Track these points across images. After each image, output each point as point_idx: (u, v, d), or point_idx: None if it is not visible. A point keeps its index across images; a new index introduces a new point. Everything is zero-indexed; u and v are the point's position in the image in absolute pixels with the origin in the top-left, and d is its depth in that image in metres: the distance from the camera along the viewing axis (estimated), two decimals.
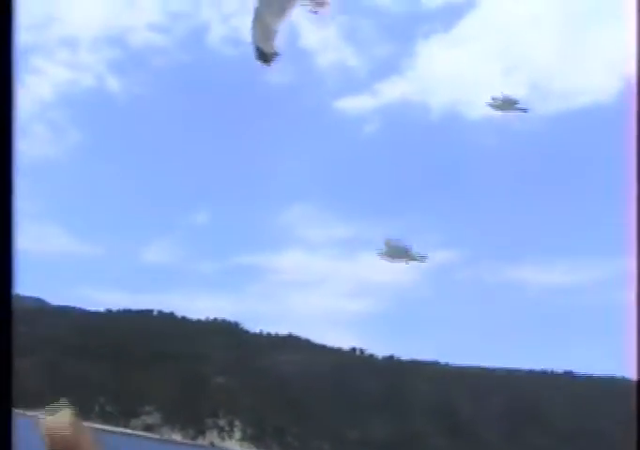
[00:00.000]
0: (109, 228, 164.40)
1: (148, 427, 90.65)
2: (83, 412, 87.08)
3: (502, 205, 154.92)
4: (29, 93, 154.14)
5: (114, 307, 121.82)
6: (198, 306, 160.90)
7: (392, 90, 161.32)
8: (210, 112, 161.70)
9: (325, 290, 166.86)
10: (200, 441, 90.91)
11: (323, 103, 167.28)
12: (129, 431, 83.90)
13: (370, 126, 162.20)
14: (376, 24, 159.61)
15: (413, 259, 16.09)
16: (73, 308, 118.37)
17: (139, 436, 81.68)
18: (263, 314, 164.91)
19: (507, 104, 17.41)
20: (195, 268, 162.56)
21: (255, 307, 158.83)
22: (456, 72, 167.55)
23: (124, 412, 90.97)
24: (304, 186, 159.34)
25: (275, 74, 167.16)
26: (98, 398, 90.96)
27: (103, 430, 73.27)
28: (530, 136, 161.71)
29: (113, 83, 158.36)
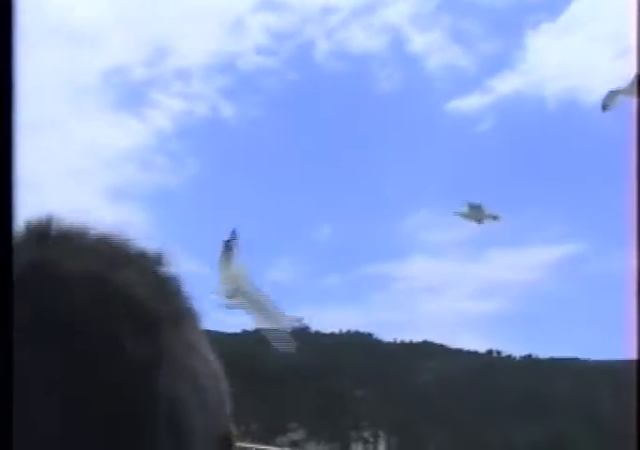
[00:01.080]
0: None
1: (294, 444, 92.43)
2: None
3: (626, 192, 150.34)
4: (148, 126, 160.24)
5: (248, 328, 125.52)
6: (329, 319, 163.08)
7: (504, 85, 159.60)
8: (324, 128, 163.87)
9: (453, 293, 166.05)
10: None
11: (435, 106, 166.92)
12: (277, 449, 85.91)
13: (485, 123, 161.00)
14: (481, 21, 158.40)
15: (488, 217, 16.83)
16: (210, 332, 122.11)
17: None
18: (394, 322, 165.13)
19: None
20: (321, 283, 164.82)
21: (385, 315, 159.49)
22: (568, 60, 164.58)
23: (269, 430, 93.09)
24: (423, 190, 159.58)
25: (384, 82, 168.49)
26: (243, 419, 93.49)
27: (252, 449, 75.34)
28: None
29: (226, 110, 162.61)
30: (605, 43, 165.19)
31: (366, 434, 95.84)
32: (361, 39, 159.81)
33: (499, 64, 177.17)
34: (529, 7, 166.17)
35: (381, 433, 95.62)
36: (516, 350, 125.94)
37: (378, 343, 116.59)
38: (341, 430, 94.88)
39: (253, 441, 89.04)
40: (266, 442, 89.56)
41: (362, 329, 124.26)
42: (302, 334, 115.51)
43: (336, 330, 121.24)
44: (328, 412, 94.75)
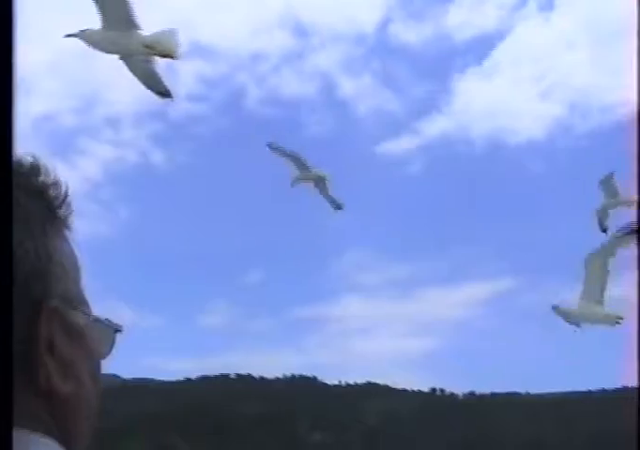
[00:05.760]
0: (166, 297, 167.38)
1: None
2: None
3: (557, 226, 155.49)
4: (79, 173, 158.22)
5: (189, 375, 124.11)
6: (265, 363, 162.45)
7: (433, 128, 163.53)
8: (254, 173, 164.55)
9: (390, 332, 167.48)
10: None
11: (364, 149, 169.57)
12: None
13: (414, 165, 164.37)
14: (410, 65, 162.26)
15: None
16: (151, 380, 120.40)
17: None
18: (333, 364, 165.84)
19: None
20: (256, 326, 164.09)
21: (323, 358, 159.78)
22: (494, 102, 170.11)
23: None
24: (354, 232, 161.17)
25: (315, 127, 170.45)
26: None
27: None
28: (575, 153, 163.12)
29: (157, 156, 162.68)
30: (529, 85, 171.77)
31: None
32: (292, 85, 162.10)
33: (428, 107, 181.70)
34: (456, 52, 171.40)
35: None
36: (458, 387, 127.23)
37: (324, 386, 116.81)
38: None
39: None
40: None
41: (302, 372, 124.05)
42: (247, 380, 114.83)
43: (280, 375, 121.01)
44: None
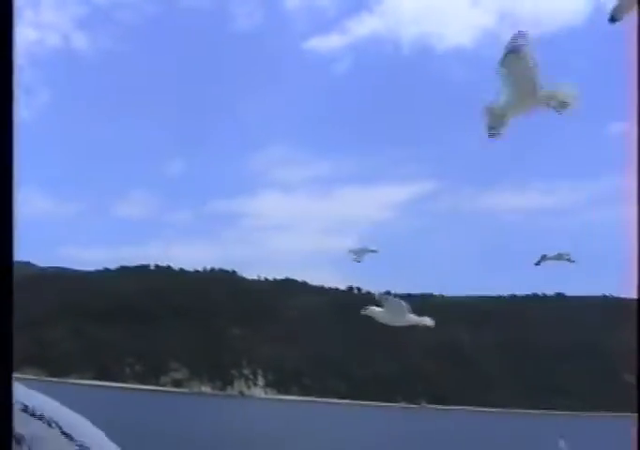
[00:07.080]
0: (84, 185, 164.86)
1: (178, 383, 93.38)
2: (115, 373, 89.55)
3: (477, 134, 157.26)
4: None
5: (107, 265, 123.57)
6: (184, 256, 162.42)
7: (362, 27, 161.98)
8: (179, 62, 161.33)
9: (308, 230, 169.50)
10: (229, 391, 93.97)
11: (293, 45, 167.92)
12: (160, 388, 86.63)
13: (340, 64, 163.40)
14: None
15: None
16: (68, 269, 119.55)
17: (171, 392, 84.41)
18: (251, 260, 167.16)
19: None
20: (174, 218, 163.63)
21: (241, 252, 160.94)
22: (425, 5, 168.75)
23: (153, 371, 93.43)
24: (278, 127, 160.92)
25: (243, 19, 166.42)
26: (126, 359, 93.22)
27: (136, 389, 75.77)
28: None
29: (80, 41, 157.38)
30: None
31: (246, 371, 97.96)
32: None
33: (357, 5, 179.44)
34: None
35: (260, 370, 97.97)
36: (374, 286, 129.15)
37: (243, 281, 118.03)
38: (222, 369, 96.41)
39: (137, 382, 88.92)
40: (151, 383, 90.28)
41: (219, 266, 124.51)
42: (167, 272, 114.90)
43: (199, 268, 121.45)
44: (209, 351, 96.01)
